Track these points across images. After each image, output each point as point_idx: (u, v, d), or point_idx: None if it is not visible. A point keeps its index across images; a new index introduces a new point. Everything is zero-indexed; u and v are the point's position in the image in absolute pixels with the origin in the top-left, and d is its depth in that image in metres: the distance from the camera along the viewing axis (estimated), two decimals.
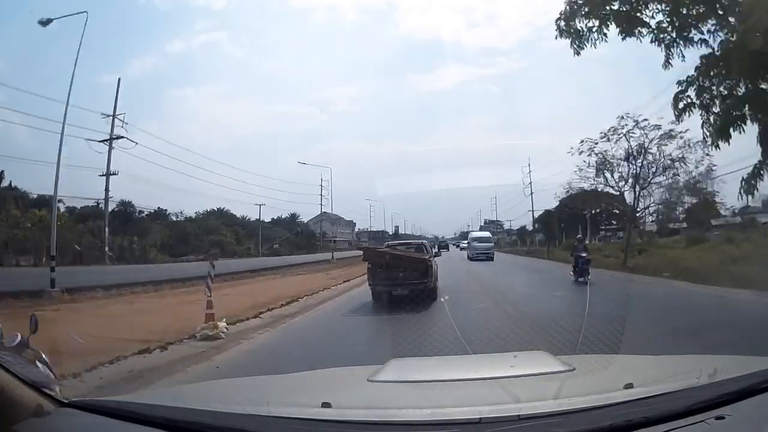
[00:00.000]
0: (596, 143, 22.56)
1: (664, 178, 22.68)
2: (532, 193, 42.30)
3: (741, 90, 11.86)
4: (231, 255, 33.62)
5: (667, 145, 21.31)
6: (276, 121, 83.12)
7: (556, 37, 13.01)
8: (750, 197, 12.81)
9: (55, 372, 2.68)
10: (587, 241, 31.16)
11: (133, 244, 30.17)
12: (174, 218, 40.14)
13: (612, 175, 22.89)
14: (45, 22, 17.98)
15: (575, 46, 12.94)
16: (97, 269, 22.63)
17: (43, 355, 2.69)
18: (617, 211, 31.00)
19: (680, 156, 21.15)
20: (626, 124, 21.55)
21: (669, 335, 6.46)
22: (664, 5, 12.42)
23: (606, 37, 12.72)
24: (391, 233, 75.55)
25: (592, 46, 12.78)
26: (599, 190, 24.68)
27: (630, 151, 22.02)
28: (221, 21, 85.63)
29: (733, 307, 9.49)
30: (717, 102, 12.24)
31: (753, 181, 11.87)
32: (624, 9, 12.57)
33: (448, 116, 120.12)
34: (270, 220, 52.75)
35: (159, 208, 39.92)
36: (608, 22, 12.65)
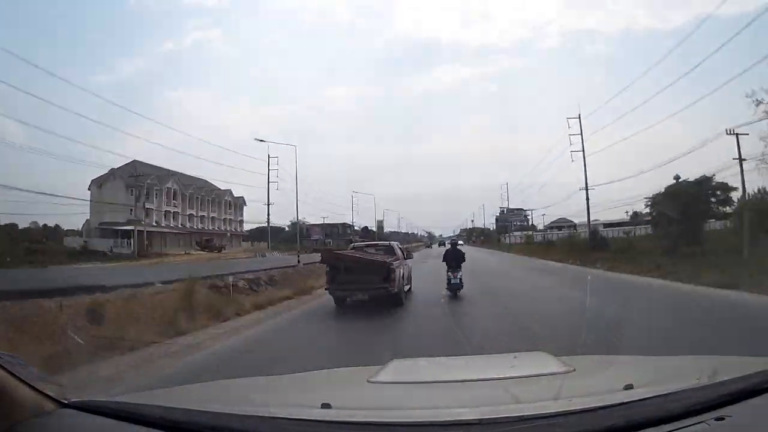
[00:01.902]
0: None
1: None
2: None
3: None
4: None
5: None
6: (273, 122, 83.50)
7: None
8: None
9: None
10: None
11: None
12: None
13: None
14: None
15: None
16: None
17: None
18: None
19: None
20: None
21: None
22: None
23: None
24: (359, 229, 66.46)
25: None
26: None
27: None
28: (214, 19, 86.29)
29: None
30: None
31: None
32: None
33: (447, 115, 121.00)
34: None
35: None
36: None
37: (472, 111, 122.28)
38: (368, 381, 1.90)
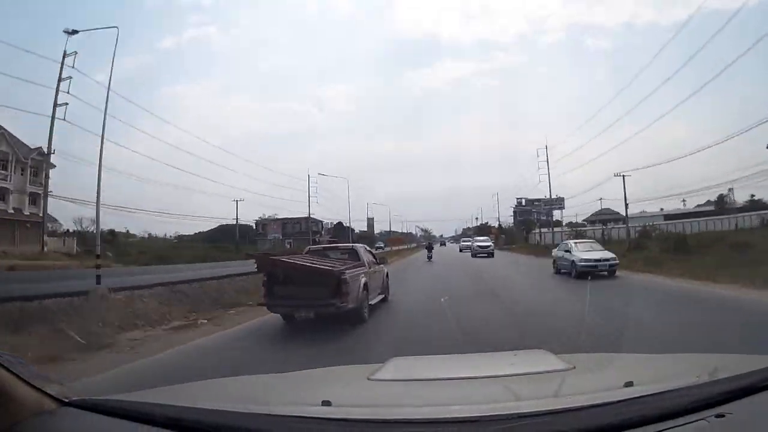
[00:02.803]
0: None
1: None
2: None
3: None
4: None
5: None
6: (271, 120, 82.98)
7: None
8: None
9: None
10: None
11: None
12: None
13: None
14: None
15: None
16: None
17: None
18: None
19: None
20: None
21: None
22: None
23: None
24: (330, 225, 57.26)
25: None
26: None
27: None
28: (212, 16, 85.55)
29: None
30: None
31: None
32: None
33: (447, 113, 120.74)
34: None
35: None
36: None
37: (473, 108, 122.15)
38: (368, 379, 1.91)
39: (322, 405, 1.44)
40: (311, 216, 49.87)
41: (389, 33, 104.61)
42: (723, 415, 1.25)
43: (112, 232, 42.77)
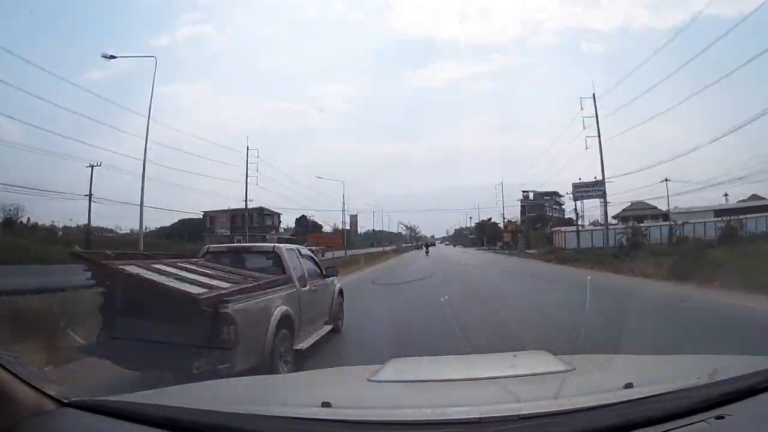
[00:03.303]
0: None
1: None
2: None
3: None
4: None
5: None
6: (269, 120, 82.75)
7: None
8: None
9: None
10: None
11: None
12: None
13: None
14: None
15: None
16: None
17: None
18: None
19: None
20: None
21: None
22: None
23: None
24: (290, 224, 49.17)
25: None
26: None
27: None
28: (208, 14, 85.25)
29: None
30: None
31: None
32: None
33: (444, 113, 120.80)
34: None
35: None
36: None
37: (470, 109, 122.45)
38: (368, 380, 1.91)
39: (322, 406, 1.44)
40: (248, 203, 35.47)
41: (389, 33, 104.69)
42: (723, 417, 1.25)
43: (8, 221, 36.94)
